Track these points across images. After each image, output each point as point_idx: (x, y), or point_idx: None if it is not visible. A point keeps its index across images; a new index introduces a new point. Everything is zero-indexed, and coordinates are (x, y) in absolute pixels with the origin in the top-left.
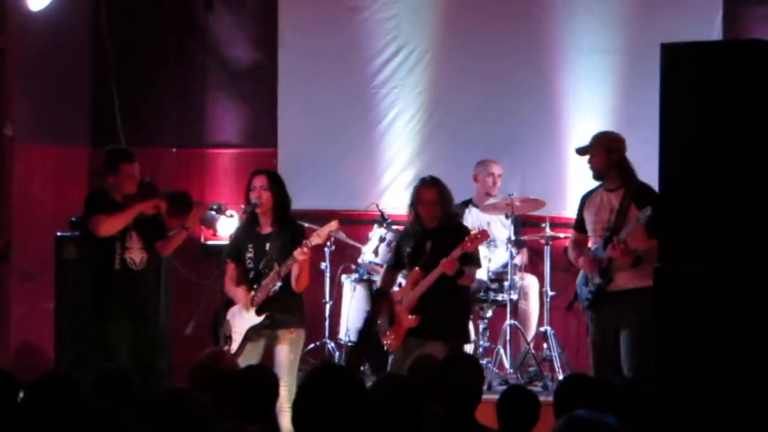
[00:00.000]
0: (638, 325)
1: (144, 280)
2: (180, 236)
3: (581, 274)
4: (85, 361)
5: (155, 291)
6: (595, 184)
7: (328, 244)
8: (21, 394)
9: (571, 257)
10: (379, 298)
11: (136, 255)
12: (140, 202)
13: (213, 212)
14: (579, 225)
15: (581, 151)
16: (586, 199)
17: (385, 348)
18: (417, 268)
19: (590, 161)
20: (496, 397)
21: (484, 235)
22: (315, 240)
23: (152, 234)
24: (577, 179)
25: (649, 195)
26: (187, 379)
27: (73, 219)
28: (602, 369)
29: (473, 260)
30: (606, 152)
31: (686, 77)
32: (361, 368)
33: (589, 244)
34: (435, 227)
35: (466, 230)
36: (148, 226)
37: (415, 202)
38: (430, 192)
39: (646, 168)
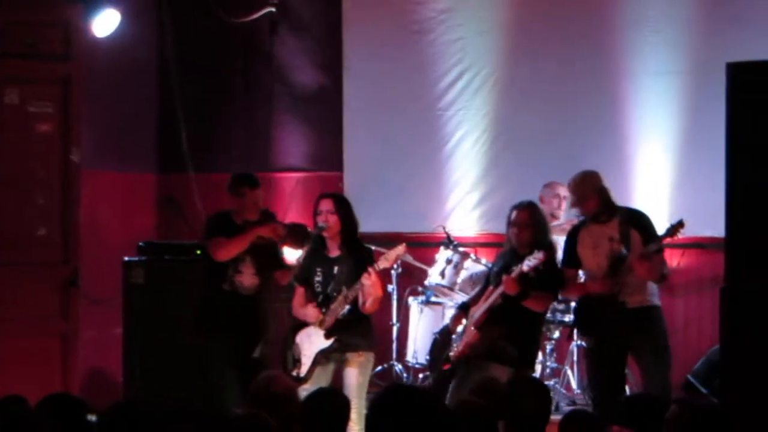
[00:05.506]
0: (656, 339)
1: (252, 304)
2: None
3: (577, 303)
4: (154, 385)
5: (264, 316)
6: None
7: (395, 266)
8: (90, 418)
9: (567, 293)
10: (457, 311)
11: (246, 279)
12: (258, 226)
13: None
14: (570, 261)
15: (576, 203)
16: (577, 237)
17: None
18: (492, 286)
19: (585, 207)
20: None
21: (538, 256)
22: (382, 264)
23: (267, 261)
24: (644, 200)
25: (640, 217)
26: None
27: (141, 244)
28: (608, 387)
29: (540, 284)
30: (598, 194)
31: (752, 96)
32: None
33: (581, 279)
34: (527, 252)
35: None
36: (264, 253)
37: (509, 224)
38: (522, 214)
39: (713, 190)
